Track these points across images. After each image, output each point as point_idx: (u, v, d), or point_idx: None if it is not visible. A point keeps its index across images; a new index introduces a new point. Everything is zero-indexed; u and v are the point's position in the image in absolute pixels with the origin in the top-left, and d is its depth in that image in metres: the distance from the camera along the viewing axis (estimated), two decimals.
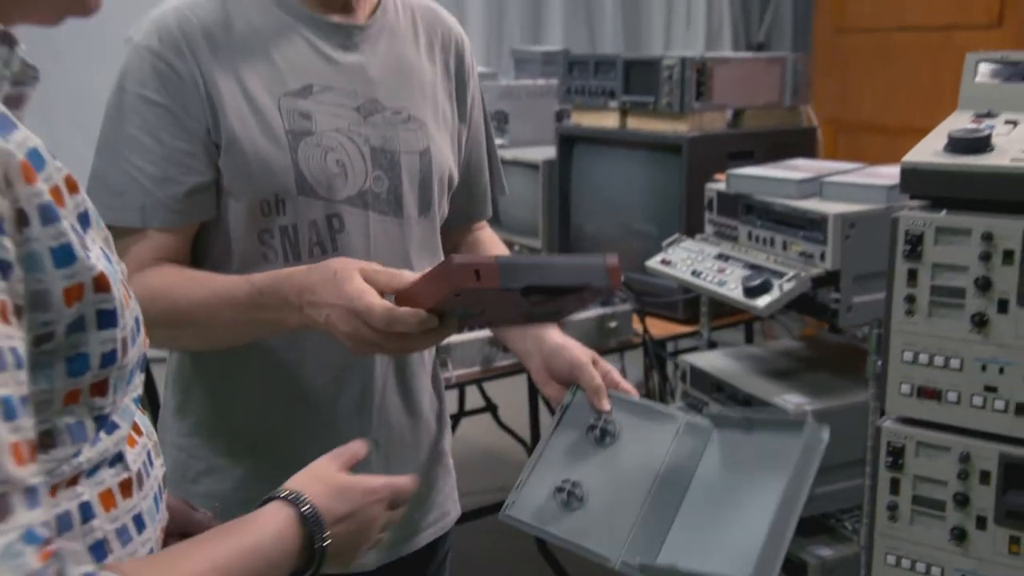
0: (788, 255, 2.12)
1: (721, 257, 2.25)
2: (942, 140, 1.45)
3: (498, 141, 3.01)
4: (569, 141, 2.86)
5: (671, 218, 2.58)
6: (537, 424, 2.88)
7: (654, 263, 2.35)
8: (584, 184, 2.86)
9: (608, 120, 2.76)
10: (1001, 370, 1.40)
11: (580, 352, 1.30)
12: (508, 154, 3.02)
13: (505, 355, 2.27)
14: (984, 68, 1.59)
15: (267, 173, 1.25)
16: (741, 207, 2.25)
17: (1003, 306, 1.38)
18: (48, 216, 0.69)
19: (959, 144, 1.42)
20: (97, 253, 0.75)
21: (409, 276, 1.08)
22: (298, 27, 1.31)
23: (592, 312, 2.42)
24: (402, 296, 1.06)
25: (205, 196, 1.26)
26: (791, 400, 2.13)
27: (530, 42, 4.69)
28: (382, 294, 1.06)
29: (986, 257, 1.38)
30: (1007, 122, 1.50)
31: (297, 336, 1.24)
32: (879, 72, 3.71)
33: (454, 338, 2.19)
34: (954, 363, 1.43)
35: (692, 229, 2.45)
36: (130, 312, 0.79)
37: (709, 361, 2.40)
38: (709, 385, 2.34)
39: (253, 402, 1.34)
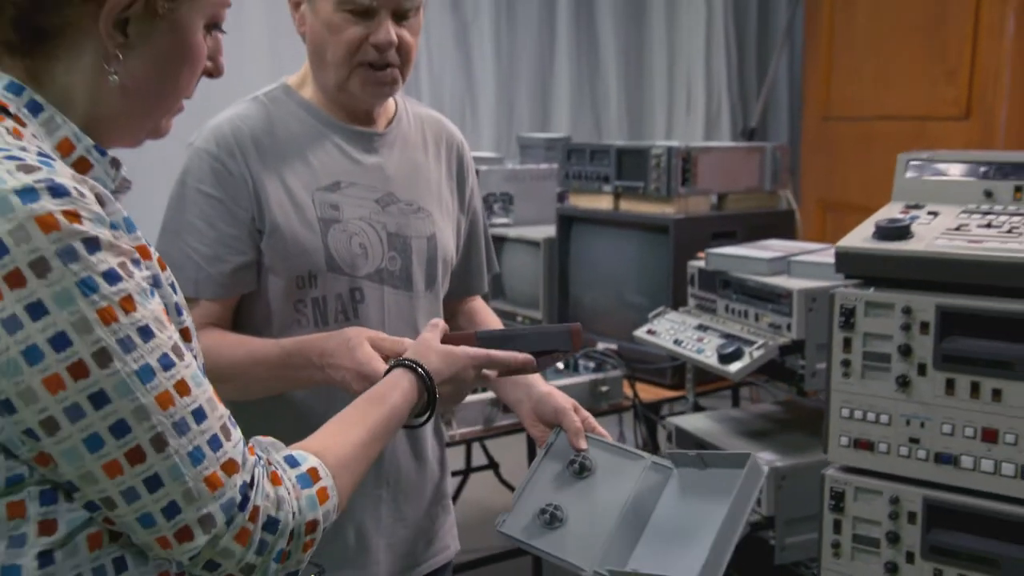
0: (759, 326, 2.36)
1: (701, 327, 2.49)
2: (871, 228, 1.70)
3: (503, 220, 3.31)
4: (568, 221, 3.13)
5: (660, 292, 2.83)
6: None
7: (641, 333, 2.60)
8: (581, 260, 3.12)
9: (603, 202, 3.03)
10: (922, 424, 1.63)
11: (563, 399, 1.56)
12: (512, 232, 3.30)
13: (506, 415, 2.51)
14: (913, 165, 1.85)
15: (302, 254, 1.52)
16: (719, 283, 2.50)
17: (922, 369, 1.62)
18: (158, 283, 0.94)
19: (884, 232, 1.67)
20: (187, 311, 1.01)
21: (409, 343, 1.34)
22: (329, 134, 1.59)
23: (585, 376, 2.66)
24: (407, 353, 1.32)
25: (248, 273, 1.52)
26: (764, 457, 2.35)
27: (538, 129, 4.98)
28: (387, 358, 1.32)
29: (907, 327, 1.62)
30: (929, 213, 1.76)
31: (322, 389, 1.50)
32: (862, 157, 3.97)
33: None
34: (883, 418, 1.66)
35: (678, 302, 2.69)
36: (201, 359, 1.02)
37: (693, 423, 2.63)
38: (692, 445, 2.56)
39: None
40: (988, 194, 1.76)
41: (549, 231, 3.19)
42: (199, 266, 1.50)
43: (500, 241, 3.33)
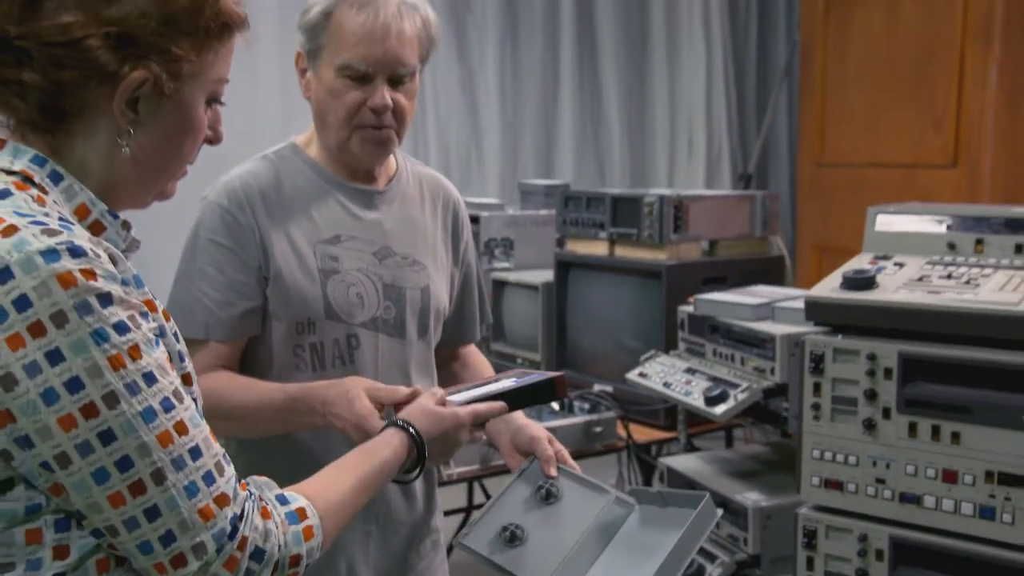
0: (745, 369, 2.45)
1: (690, 371, 2.59)
2: (839, 279, 1.81)
3: (504, 264, 3.42)
4: (565, 266, 3.24)
5: (654, 335, 2.93)
6: None
7: (633, 375, 2.69)
8: (579, 304, 3.22)
9: (599, 248, 3.14)
10: (888, 465, 1.72)
11: (538, 430, 1.67)
12: (512, 276, 3.41)
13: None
14: (881, 219, 1.96)
15: (303, 301, 1.63)
16: (707, 327, 2.60)
17: (886, 413, 1.72)
18: (163, 333, 1.05)
19: (850, 282, 1.77)
20: (187, 358, 1.11)
21: (403, 391, 1.45)
22: (332, 191, 1.71)
23: (579, 417, 2.76)
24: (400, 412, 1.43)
25: (254, 317, 1.64)
26: (750, 497, 2.44)
27: (543, 175, 5.10)
28: (382, 407, 1.43)
29: (872, 373, 1.72)
30: (896, 263, 1.86)
31: (322, 431, 1.60)
32: (855, 203, 4.05)
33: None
34: (852, 459, 1.76)
35: (670, 345, 2.79)
36: (200, 401, 1.12)
37: (684, 463, 2.71)
38: (683, 484, 2.65)
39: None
40: (951, 246, 1.86)
41: (548, 275, 3.30)
42: (210, 310, 1.61)
43: (501, 285, 3.44)
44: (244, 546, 1.00)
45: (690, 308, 2.67)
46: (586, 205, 3.17)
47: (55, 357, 0.91)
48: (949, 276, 1.76)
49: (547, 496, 1.58)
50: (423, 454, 1.33)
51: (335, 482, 1.18)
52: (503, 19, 5.15)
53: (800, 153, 4.59)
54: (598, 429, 2.76)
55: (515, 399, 1.48)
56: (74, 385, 0.92)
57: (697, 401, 2.45)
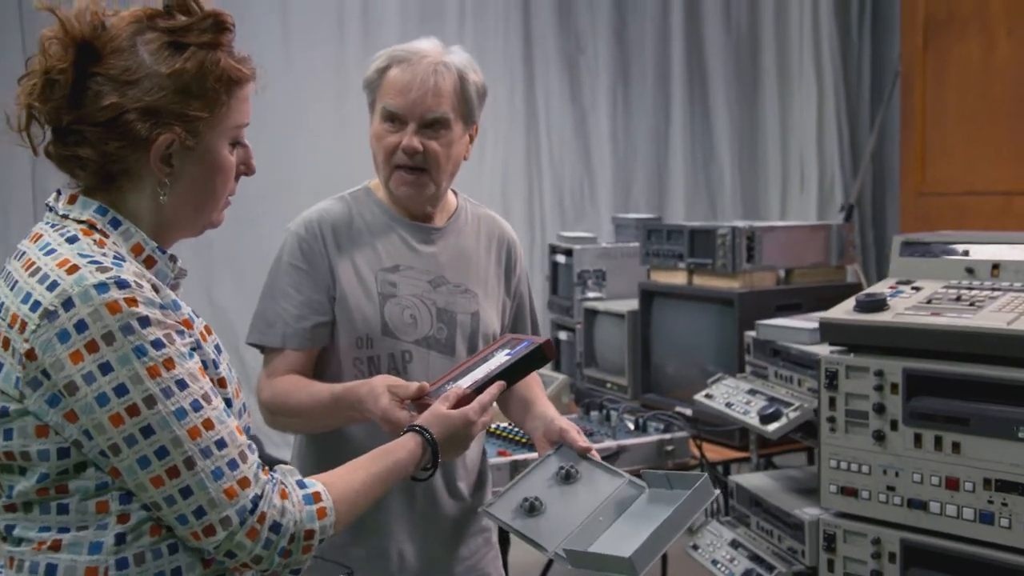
0: (801, 390, 2.59)
1: (752, 391, 2.73)
2: (853, 303, 1.95)
3: (595, 294, 3.62)
4: (649, 295, 3.43)
5: (729, 359, 3.08)
6: None
7: (700, 396, 2.86)
8: (661, 331, 3.40)
9: (678, 278, 3.32)
10: (896, 474, 1.85)
11: (567, 423, 1.88)
12: (602, 306, 3.62)
13: None
14: (905, 246, 2.09)
15: (363, 319, 1.91)
16: (769, 351, 2.74)
17: (894, 425, 1.85)
18: (199, 346, 1.27)
19: (862, 305, 1.92)
20: (225, 367, 1.32)
21: (413, 386, 1.69)
22: (395, 227, 1.98)
23: (653, 436, 2.93)
24: (418, 405, 1.67)
25: (324, 331, 1.92)
26: (808, 512, 2.56)
27: (655, 211, 5.27)
28: (403, 401, 1.68)
29: (880, 388, 1.86)
30: (914, 288, 1.99)
31: (373, 431, 1.86)
32: (956, 229, 4.11)
33: (529, 455, 2.74)
34: (864, 468, 1.90)
35: (741, 369, 2.94)
36: (238, 403, 1.33)
37: (751, 480, 2.85)
38: (748, 500, 2.79)
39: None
40: (969, 271, 1.98)
41: (635, 304, 3.49)
42: (287, 323, 1.90)
43: (592, 314, 3.66)
44: (264, 520, 1.22)
45: (755, 333, 2.82)
46: (667, 237, 3.35)
47: (106, 368, 1.15)
48: (958, 299, 1.88)
49: (567, 476, 1.79)
50: (436, 454, 1.54)
51: (351, 474, 1.39)
52: (615, 61, 5.38)
53: (902, 183, 4.64)
54: (670, 448, 2.93)
55: (512, 373, 1.69)
56: (121, 390, 1.15)
57: (753, 419, 2.59)
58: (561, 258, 3.82)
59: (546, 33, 5.23)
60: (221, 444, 1.21)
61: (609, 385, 3.57)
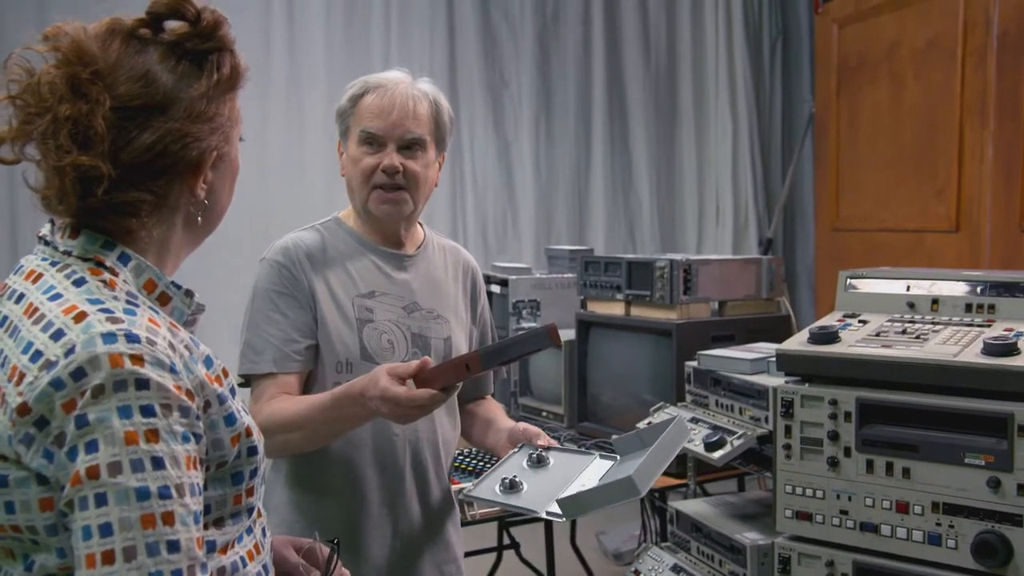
0: (743, 419, 2.68)
1: (694, 420, 2.82)
2: (807, 335, 2.05)
3: (531, 324, 3.67)
4: (586, 325, 3.50)
5: (667, 388, 3.17)
6: (553, 558, 3.40)
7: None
8: (599, 361, 3.48)
9: (616, 309, 3.40)
10: (849, 498, 1.95)
11: (527, 425, 1.96)
12: None
13: None
14: (852, 281, 2.21)
15: (342, 344, 1.93)
16: (710, 380, 2.84)
17: (847, 452, 1.95)
18: (221, 400, 1.17)
19: (815, 337, 2.02)
20: (243, 412, 1.21)
21: (414, 364, 1.71)
22: (368, 254, 2.01)
23: None
24: (419, 381, 1.71)
25: (312, 352, 1.93)
26: (749, 536, 2.65)
27: (575, 240, 5.40)
28: (404, 380, 1.70)
29: (834, 417, 1.96)
30: (860, 321, 2.10)
31: (357, 452, 1.87)
32: (867, 265, 4.30)
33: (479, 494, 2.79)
34: (819, 493, 1.99)
35: (680, 398, 3.03)
36: (261, 444, 1.25)
37: (691, 506, 2.93)
38: (690, 525, 2.87)
39: (322, 493, 1.97)
40: (911, 305, 2.10)
41: (571, 334, 3.56)
42: (277, 347, 1.91)
43: None
44: None
45: (695, 363, 2.91)
46: (605, 269, 3.44)
47: (80, 421, 1.03)
48: (904, 332, 2.00)
49: (539, 461, 1.85)
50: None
51: None
52: (537, 93, 5.49)
53: (817, 219, 4.84)
54: None
55: (520, 348, 1.74)
56: (90, 448, 1.02)
57: (698, 447, 2.68)
58: (496, 288, 3.87)
59: (471, 65, 5.31)
60: (173, 547, 1.03)
61: (545, 414, 3.63)
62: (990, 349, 1.81)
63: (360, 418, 1.81)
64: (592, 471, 1.80)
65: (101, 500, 1.01)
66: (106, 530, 1.01)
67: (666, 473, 3.24)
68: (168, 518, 1.03)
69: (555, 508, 1.67)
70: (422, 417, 1.80)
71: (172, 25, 1.20)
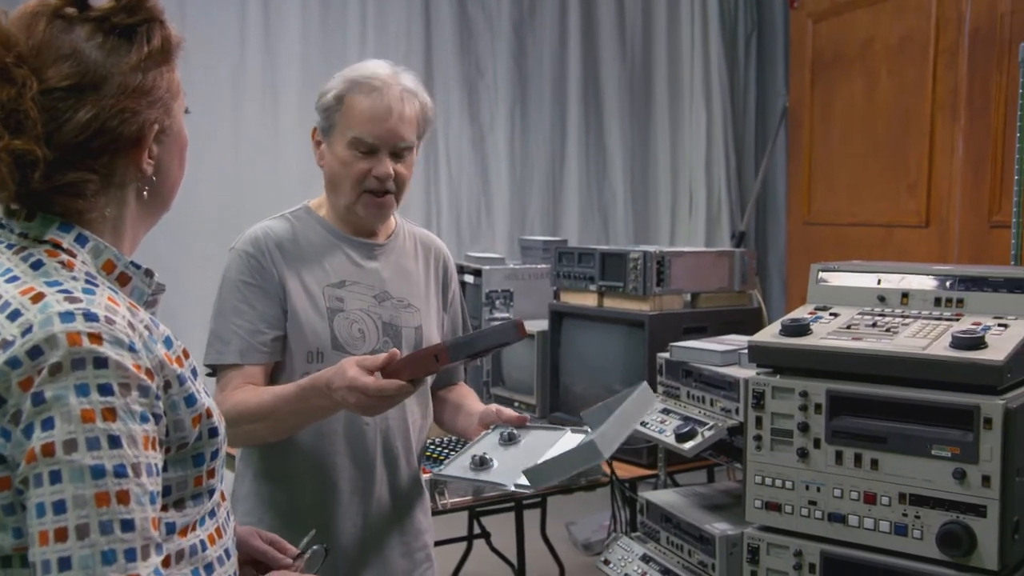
0: (713, 410, 2.70)
1: (665, 411, 2.83)
2: (778, 327, 2.07)
3: (503, 315, 3.68)
4: (559, 316, 3.51)
5: (638, 379, 3.17)
6: (523, 548, 3.41)
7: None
8: (571, 351, 3.49)
9: (589, 300, 3.41)
10: (818, 489, 1.96)
11: (498, 406, 1.97)
12: None
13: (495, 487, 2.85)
14: (823, 275, 2.22)
15: (313, 334, 1.92)
16: (681, 372, 2.85)
17: (817, 443, 1.96)
18: (181, 380, 1.16)
19: (787, 329, 2.03)
20: (203, 394, 1.21)
21: (382, 356, 1.71)
22: (339, 244, 2.00)
23: None
24: (386, 373, 1.71)
25: (279, 344, 1.93)
26: (718, 527, 2.67)
27: (550, 231, 5.41)
28: (371, 372, 1.70)
29: (804, 408, 1.97)
30: (831, 313, 2.12)
31: (328, 441, 1.87)
32: (839, 258, 4.34)
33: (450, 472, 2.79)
34: (788, 484, 2.00)
35: (653, 389, 3.04)
36: (222, 425, 1.25)
37: (661, 497, 2.95)
38: (659, 516, 2.89)
39: (290, 486, 1.96)
40: (881, 299, 2.12)
41: (543, 325, 3.57)
42: (243, 338, 1.90)
43: None
44: None
45: (667, 354, 2.92)
46: (578, 260, 3.44)
47: (37, 399, 1.02)
48: (874, 324, 2.01)
49: (510, 438, 1.85)
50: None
51: None
52: (513, 84, 5.49)
53: (789, 213, 4.87)
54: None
55: (488, 340, 1.76)
56: (47, 425, 1.02)
57: (669, 438, 2.69)
58: (469, 278, 3.87)
59: (446, 55, 5.30)
60: (127, 526, 1.03)
61: (517, 404, 3.63)
62: (958, 342, 1.83)
63: (326, 410, 1.81)
64: (562, 444, 1.81)
65: (56, 477, 1.01)
66: (60, 507, 1.00)
67: (636, 464, 3.28)
68: (123, 497, 1.02)
69: (523, 480, 1.68)
70: (389, 409, 1.80)
71: (98, 2, 1.18)
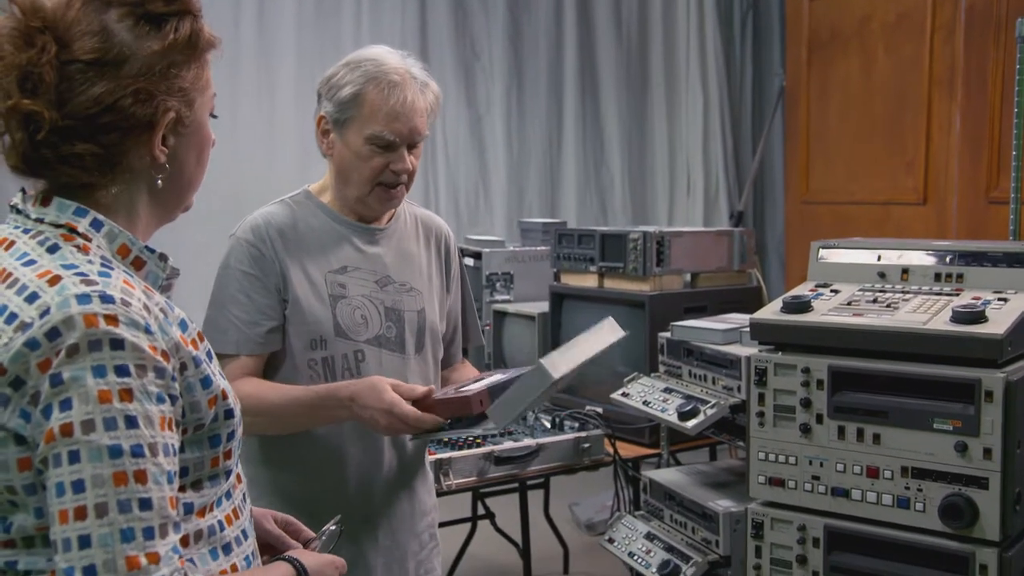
0: (715, 388, 2.72)
1: (667, 390, 2.85)
2: (780, 304, 2.08)
3: (504, 296, 3.70)
4: (559, 297, 3.52)
5: (639, 359, 3.20)
6: (528, 528, 3.44)
7: (616, 395, 2.96)
8: (572, 333, 3.48)
9: (589, 281, 3.42)
10: (821, 464, 1.98)
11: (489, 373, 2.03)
12: (512, 308, 3.69)
13: (497, 467, 2.87)
14: (823, 252, 2.23)
15: (315, 322, 1.93)
16: (683, 351, 2.86)
17: (819, 419, 1.98)
18: (197, 362, 1.17)
19: (788, 307, 2.05)
20: (219, 376, 1.22)
21: (420, 390, 1.76)
22: (340, 229, 2.00)
23: (569, 435, 3.02)
24: (422, 406, 1.73)
25: (277, 335, 1.93)
26: (721, 504, 2.69)
27: (547, 213, 5.41)
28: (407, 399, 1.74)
29: (806, 384, 1.99)
30: (832, 290, 2.13)
31: (335, 435, 1.89)
32: (836, 237, 4.35)
33: (454, 453, 2.81)
34: (791, 460, 2.02)
35: (653, 368, 3.06)
36: (238, 407, 1.26)
37: (664, 476, 2.97)
38: (663, 494, 2.91)
39: (299, 471, 1.98)
40: (881, 275, 2.13)
41: (544, 306, 3.58)
42: (240, 329, 1.91)
43: (501, 315, 3.73)
44: None
45: (668, 334, 2.94)
46: (578, 241, 3.45)
47: (55, 380, 1.04)
48: (875, 300, 2.03)
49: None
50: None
51: None
52: (509, 66, 5.49)
53: (787, 192, 4.89)
54: (586, 445, 3.03)
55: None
56: (64, 406, 1.04)
57: (671, 417, 2.71)
58: (469, 261, 3.88)
59: (442, 38, 5.29)
60: (145, 504, 1.05)
61: None
62: (958, 317, 1.84)
63: (339, 419, 1.85)
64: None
65: (74, 457, 1.03)
66: (78, 487, 1.02)
67: (639, 443, 3.30)
68: (140, 476, 1.04)
69: (489, 424, 1.74)
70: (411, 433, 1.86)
71: None
